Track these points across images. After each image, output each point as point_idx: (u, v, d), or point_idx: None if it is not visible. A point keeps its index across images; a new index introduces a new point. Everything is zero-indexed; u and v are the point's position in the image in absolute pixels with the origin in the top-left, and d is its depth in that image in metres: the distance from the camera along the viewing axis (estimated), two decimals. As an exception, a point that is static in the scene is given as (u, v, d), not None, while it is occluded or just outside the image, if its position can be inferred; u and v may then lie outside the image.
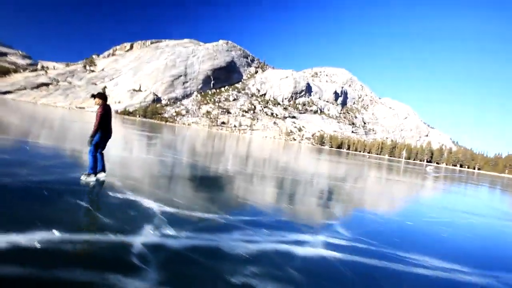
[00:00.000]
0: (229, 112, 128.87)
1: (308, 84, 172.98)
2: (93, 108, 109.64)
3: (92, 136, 4.33)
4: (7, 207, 2.97)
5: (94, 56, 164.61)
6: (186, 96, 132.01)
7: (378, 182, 13.07)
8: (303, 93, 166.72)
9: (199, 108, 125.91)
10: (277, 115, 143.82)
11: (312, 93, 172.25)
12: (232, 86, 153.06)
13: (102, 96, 4.61)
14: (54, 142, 9.10)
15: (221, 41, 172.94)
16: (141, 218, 3.10)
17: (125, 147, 10.70)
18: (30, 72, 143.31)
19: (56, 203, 3.28)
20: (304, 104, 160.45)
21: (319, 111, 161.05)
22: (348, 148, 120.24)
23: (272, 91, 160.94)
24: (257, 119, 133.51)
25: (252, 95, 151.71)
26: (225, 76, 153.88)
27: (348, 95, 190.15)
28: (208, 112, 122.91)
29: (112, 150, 7.92)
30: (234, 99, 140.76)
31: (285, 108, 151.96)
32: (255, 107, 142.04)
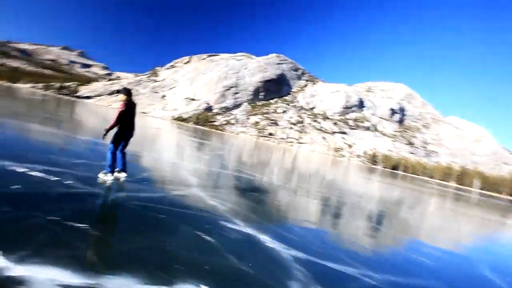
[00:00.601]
0: (277, 124, 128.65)
1: (360, 99, 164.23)
2: (153, 113, 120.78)
3: (107, 130, 3.99)
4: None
5: (157, 68, 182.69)
6: (236, 106, 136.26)
7: (452, 214, 10.43)
8: (355, 108, 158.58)
9: (248, 118, 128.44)
10: (326, 129, 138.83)
11: (364, 109, 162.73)
12: (282, 99, 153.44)
13: (126, 92, 4.29)
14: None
15: (272, 55, 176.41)
16: (278, 269, 2.48)
17: (194, 157, 10.32)
18: (107, 81, 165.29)
19: (177, 233, 2.80)
20: (355, 120, 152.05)
21: (372, 128, 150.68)
22: (405, 170, 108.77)
23: (321, 105, 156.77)
24: (305, 132, 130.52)
25: (301, 108, 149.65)
26: (274, 88, 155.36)
27: (406, 112, 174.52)
28: (256, 123, 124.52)
29: (185, 160, 7.50)
30: (283, 111, 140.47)
31: (334, 123, 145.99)
32: (303, 120, 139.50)
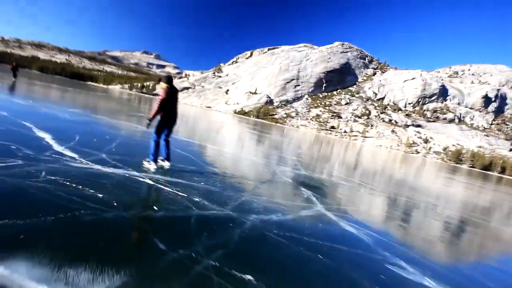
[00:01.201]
0: (339, 117, 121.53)
1: (442, 86, 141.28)
2: (217, 107, 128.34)
3: (150, 120, 3.98)
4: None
5: (221, 64, 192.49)
6: (297, 99, 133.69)
7: None
8: (434, 97, 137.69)
9: (309, 111, 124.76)
10: (396, 122, 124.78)
11: (448, 98, 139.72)
12: (346, 90, 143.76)
13: (167, 79, 4.10)
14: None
15: (336, 43, 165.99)
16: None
17: (277, 156, 9.99)
18: (178, 79, 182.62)
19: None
20: (435, 111, 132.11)
21: (457, 120, 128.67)
22: (503, 172, 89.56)
23: (392, 94, 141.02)
24: (371, 125, 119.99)
25: (368, 99, 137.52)
26: (338, 78, 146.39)
27: (509, 101, 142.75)
28: (317, 116, 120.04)
29: (271, 159, 7.15)
30: (347, 103, 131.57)
31: (407, 115, 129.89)
32: (369, 112, 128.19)
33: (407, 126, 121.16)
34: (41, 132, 4.54)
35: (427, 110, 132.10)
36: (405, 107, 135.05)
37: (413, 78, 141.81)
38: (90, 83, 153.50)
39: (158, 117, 4.11)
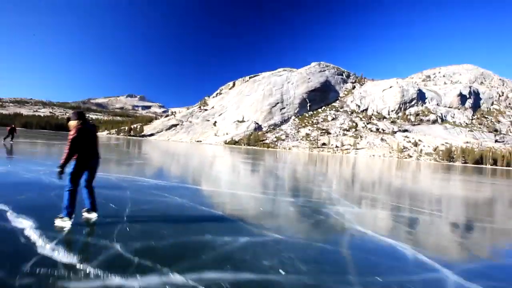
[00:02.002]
0: (328, 133, 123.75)
1: (419, 90, 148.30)
2: (207, 140, 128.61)
3: (61, 166, 3.20)
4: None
5: (206, 98, 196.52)
6: (285, 121, 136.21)
7: None
8: (414, 102, 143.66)
9: (298, 131, 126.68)
10: (383, 130, 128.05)
11: (426, 100, 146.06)
12: (330, 106, 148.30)
13: (77, 115, 3.56)
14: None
15: (313, 63, 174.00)
16: None
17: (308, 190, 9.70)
18: (164, 118, 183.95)
19: None
20: (417, 114, 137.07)
21: (439, 120, 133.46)
22: (494, 164, 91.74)
23: (374, 105, 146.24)
24: (361, 137, 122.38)
25: (352, 112, 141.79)
26: (320, 97, 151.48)
27: (482, 95, 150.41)
28: (307, 135, 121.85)
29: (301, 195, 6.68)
30: (333, 119, 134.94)
31: (393, 122, 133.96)
32: (356, 124, 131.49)
33: (395, 132, 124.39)
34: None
35: (410, 114, 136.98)
36: (388, 114, 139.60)
37: (390, 87, 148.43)
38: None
39: (73, 161, 3.42)
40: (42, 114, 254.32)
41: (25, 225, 3.18)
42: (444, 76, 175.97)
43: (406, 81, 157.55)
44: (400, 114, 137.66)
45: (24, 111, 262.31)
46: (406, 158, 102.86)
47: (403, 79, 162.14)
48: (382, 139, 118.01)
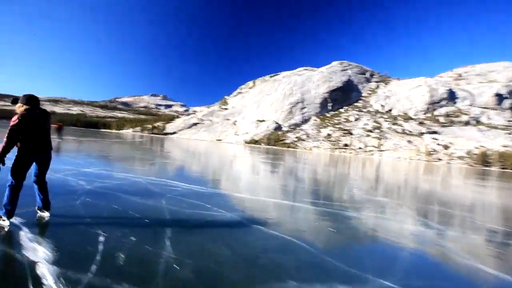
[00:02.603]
0: (351, 134, 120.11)
1: (450, 89, 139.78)
2: (227, 139, 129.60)
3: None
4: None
5: (226, 97, 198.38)
6: (305, 121, 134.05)
7: None
8: (444, 101, 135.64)
9: (319, 131, 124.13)
10: (410, 131, 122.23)
11: (458, 100, 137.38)
12: (352, 106, 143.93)
13: (26, 99, 2.98)
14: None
15: (334, 62, 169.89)
16: None
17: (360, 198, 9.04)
18: (185, 116, 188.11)
19: None
20: (448, 115, 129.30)
21: (473, 121, 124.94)
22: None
23: (400, 105, 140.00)
24: (385, 138, 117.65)
25: (376, 112, 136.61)
26: (342, 96, 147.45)
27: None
28: (328, 135, 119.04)
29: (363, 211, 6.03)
30: (356, 119, 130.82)
31: (420, 123, 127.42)
32: (380, 125, 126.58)
33: (422, 134, 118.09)
34: None
35: (440, 115, 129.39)
36: (415, 115, 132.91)
37: (418, 86, 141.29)
38: (103, 130, 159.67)
39: (17, 153, 2.95)
40: (73, 112, 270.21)
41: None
42: (478, 74, 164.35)
43: (436, 80, 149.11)
44: (428, 115, 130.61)
45: (58, 109, 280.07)
46: (435, 161, 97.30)
47: (432, 78, 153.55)
48: (408, 141, 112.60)
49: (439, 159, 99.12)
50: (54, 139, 18.72)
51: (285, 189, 7.83)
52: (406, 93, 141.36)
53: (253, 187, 8.14)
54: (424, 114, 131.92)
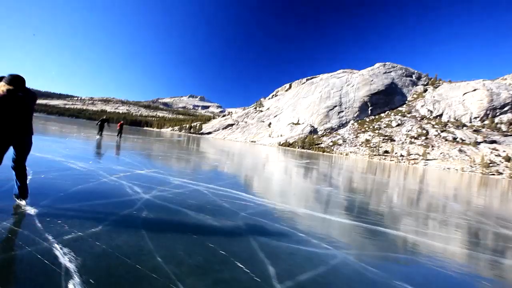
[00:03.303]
0: (392, 140, 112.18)
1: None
2: (261, 141, 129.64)
3: None
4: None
5: (261, 99, 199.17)
6: (342, 125, 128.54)
7: None
8: (507, 108, 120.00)
9: (357, 136, 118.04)
10: (462, 140, 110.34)
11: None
12: (395, 110, 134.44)
13: (9, 78, 2.74)
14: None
15: (377, 64, 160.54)
16: None
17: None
18: (221, 117, 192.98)
19: None
20: (511, 123, 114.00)
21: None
22: None
23: (451, 110, 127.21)
24: (432, 146, 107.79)
25: (422, 118, 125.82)
26: (384, 100, 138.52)
27: None
28: (367, 141, 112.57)
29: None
30: (398, 124, 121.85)
31: (475, 131, 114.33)
32: (427, 132, 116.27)
33: (478, 143, 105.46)
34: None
35: (501, 122, 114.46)
36: (470, 122, 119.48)
37: (474, 90, 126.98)
38: (146, 128, 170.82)
39: None
40: (120, 111, 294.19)
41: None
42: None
43: (497, 83, 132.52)
44: (486, 122, 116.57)
45: (108, 108, 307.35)
46: (493, 174, 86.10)
47: (491, 81, 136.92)
48: (460, 150, 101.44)
49: (499, 173, 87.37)
50: (115, 137, 19.51)
51: (381, 211, 6.46)
52: (460, 98, 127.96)
53: (333, 204, 6.73)
54: (481, 121, 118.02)
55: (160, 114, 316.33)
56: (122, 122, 20.26)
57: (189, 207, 4.24)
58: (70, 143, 12.07)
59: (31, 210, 2.95)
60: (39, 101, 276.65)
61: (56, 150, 8.44)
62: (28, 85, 2.87)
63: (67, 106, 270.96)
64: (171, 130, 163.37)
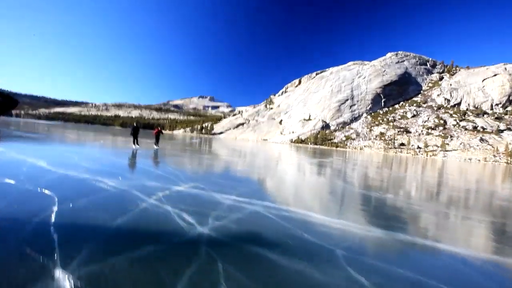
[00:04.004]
0: (408, 132, 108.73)
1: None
2: (272, 139, 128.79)
3: None
4: None
5: (271, 96, 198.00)
6: (355, 119, 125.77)
7: None
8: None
9: (370, 130, 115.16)
10: (484, 128, 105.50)
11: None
12: (409, 101, 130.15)
13: None
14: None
15: (389, 54, 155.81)
16: None
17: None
18: (232, 116, 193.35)
19: None
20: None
21: None
22: None
23: (470, 98, 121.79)
24: (451, 136, 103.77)
25: (439, 107, 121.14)
26: (398, 91, 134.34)
27: None
28: (381, 134, 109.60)
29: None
30: (414, 115, 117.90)
31: (498, 118, 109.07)
32: (445, 121, 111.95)
33: (501, 131, 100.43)
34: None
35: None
36: (491, 109, 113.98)
37: (495, 75, 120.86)
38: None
39: None
40: (133, 115, 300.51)
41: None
42: None
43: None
44: (509, 109, 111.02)
45: (121, 112, 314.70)
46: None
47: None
48: (481, 139, 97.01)
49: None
50: (152, 145, 17.88)
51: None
52: (479, 84, 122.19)
53: (411, 221, 5.01)
54: (504, 107, 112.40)
55: (171, 116, 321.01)
56: (158, 128, 17.62)
57: (265, 244, 3.17)
58: (92, 153, 11.92)
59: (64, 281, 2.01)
60: (56, 109, 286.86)
61: (79, 164, 8.14)
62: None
63: (82, 113, 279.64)
64: (183, 132, 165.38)
